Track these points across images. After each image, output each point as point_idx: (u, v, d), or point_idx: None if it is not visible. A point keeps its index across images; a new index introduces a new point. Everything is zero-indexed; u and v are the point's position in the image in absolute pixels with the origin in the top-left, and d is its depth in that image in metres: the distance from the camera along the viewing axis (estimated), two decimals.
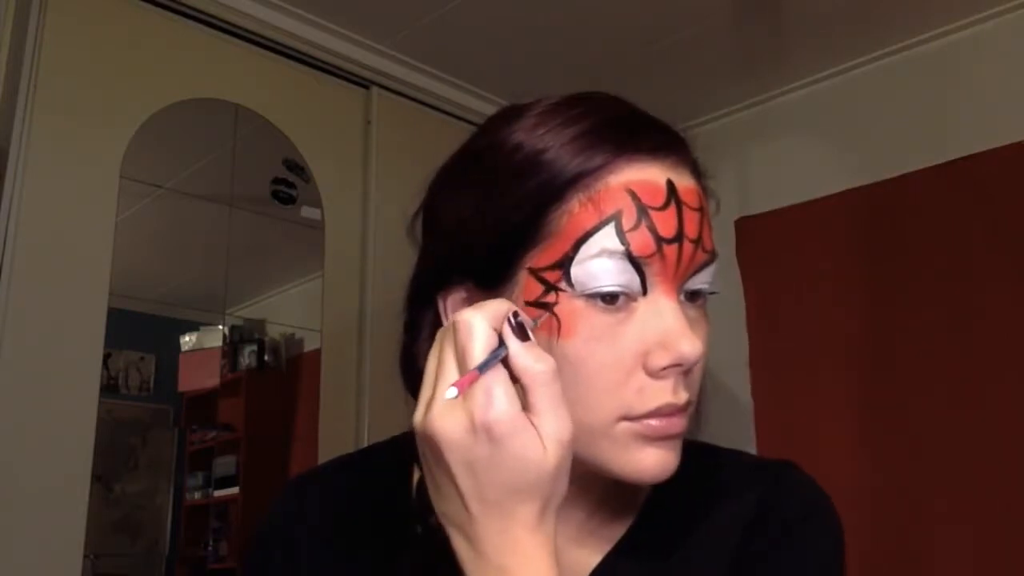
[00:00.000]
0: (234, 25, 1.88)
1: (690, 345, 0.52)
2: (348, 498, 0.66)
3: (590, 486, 0.60)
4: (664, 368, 0.52)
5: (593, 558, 0.61)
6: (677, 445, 0.55)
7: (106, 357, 1.61)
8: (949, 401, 1.86)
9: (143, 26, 1.76)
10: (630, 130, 0.55)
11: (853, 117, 2.19)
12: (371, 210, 2.05)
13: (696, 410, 0.58)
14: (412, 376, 0.60)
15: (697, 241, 0.54)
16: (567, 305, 0.52)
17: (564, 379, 0.50)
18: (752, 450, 2.08)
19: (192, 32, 1.84)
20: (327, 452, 1.86)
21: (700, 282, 0.55)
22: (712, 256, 0.56)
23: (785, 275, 2.18)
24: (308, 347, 1.99)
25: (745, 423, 2.12)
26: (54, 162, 1.57)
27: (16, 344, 1.48)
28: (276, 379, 2.01)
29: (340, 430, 1.90)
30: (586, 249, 0.52)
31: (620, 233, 0.52)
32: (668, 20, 2.00)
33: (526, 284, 0.54)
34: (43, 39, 1.59)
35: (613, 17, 1.98)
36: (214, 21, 1.86)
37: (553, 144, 0.54)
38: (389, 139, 2.11)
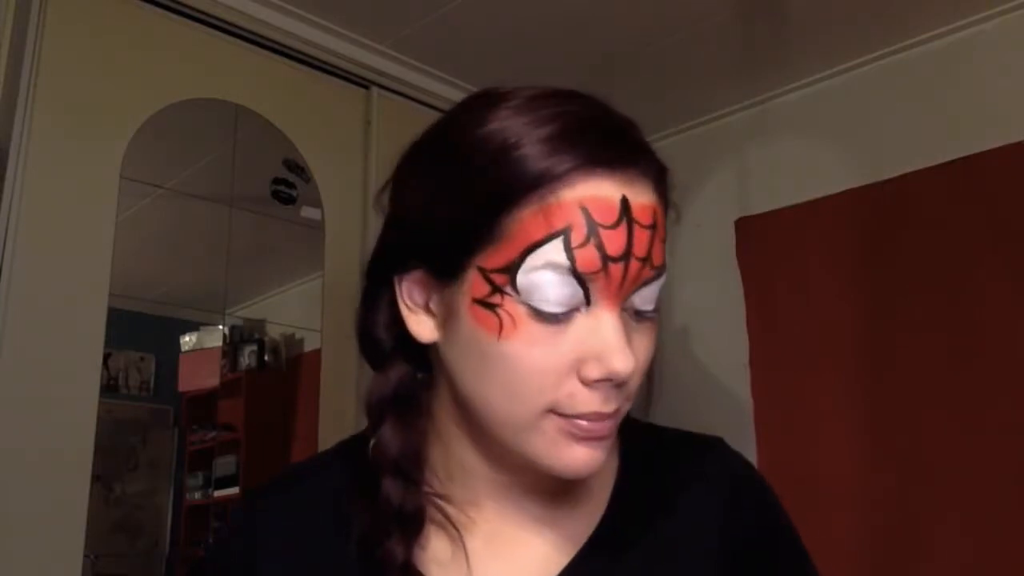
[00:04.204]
0: (234, 25, 1.88)
1: (622, 362, 0.52)
2: (301, 508, 0.66)
3: (542, 475, 0.61)
4: (596, 380, 0.53)
5: (560, 550, 0.62)
6: (606, 444, 0.56)
7: (106, 357, 1.61)
8: (949, 401, 1.86)
9: (143, 26, 1.76)
10: (593, 141, 0.53)
11: (853, 117, 2.19)
12: (371, 210, 2.05)
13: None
14: (369, 345, 0.63)
15: (645, 259, 0.54)
16: (511, 308, 0.53)
17: (500, 373, 0.54)
18: (752, 450, 2.08)
19: (192, 32, 1.84)
20: None
21: (645, 297, 0.55)
22: (659, 272, 0.55)
23: (785, 275, 2.18)
24: (308, 347, 1.99)
25: (745, 423, 2.12)
26: (54, 162, 1.57)
27: (16, 344, 1.47)
28: (276, 379, 2.01)
29: (340, 430, 1.88)
30: (532, 259, 0.52)
31: (568, 249, 0.52)
32: (668, 20, 2.00)
33: (475, 282, 0.54)
34: (43, 39, 1.59)
35: (613, 17, 1.98)
36: (214, 21, 1.86)
37: (517, 145, 0.53)
38: (389, 139, 2.11)
